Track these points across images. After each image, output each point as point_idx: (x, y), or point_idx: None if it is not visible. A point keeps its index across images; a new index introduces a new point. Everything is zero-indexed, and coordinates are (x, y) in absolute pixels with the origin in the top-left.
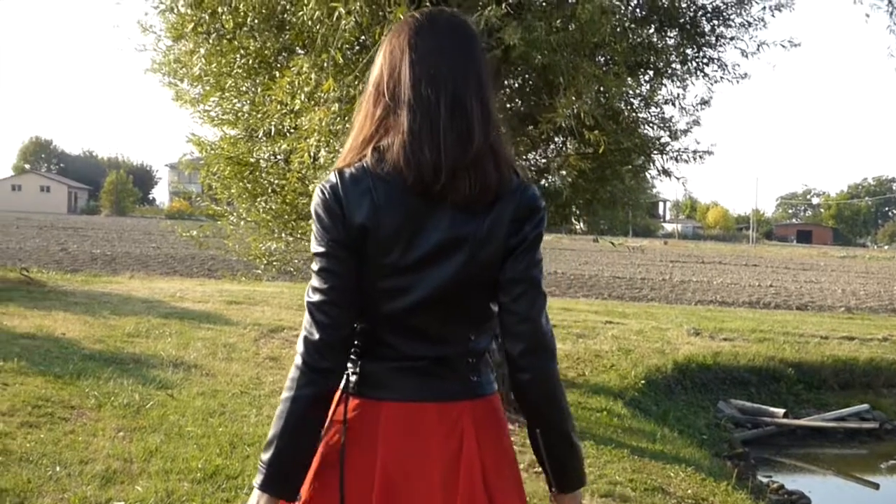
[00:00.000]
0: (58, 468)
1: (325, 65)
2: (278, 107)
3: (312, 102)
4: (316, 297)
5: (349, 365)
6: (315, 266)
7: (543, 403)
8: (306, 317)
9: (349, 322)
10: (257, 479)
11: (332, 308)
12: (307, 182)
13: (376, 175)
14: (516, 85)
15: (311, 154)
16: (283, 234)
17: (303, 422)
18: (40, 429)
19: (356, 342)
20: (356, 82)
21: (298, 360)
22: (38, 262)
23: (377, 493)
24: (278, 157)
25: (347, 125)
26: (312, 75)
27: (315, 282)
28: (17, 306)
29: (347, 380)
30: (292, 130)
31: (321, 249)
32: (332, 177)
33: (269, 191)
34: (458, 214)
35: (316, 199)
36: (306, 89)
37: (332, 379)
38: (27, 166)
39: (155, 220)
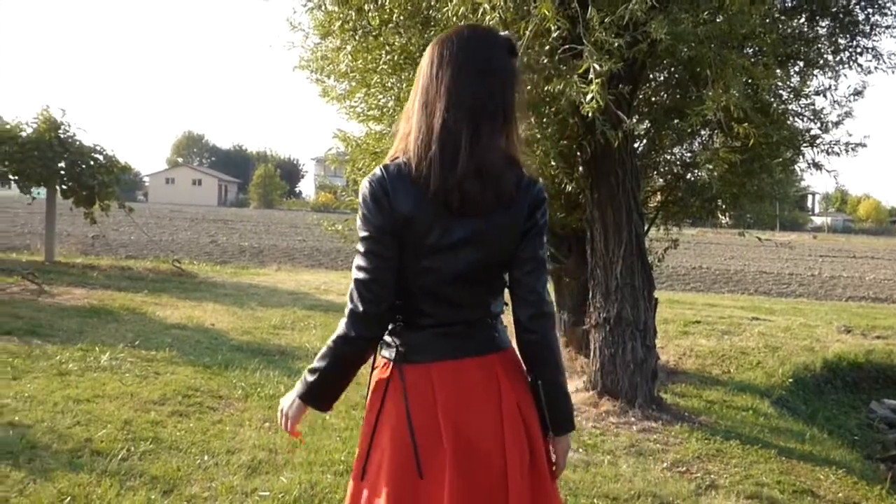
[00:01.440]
0: (206, 457)
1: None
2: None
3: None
4: (362, 275)
5: (395, 339)
6: (361, 248)
7: (545, 360)
8: (353, 291)
9: (390, 298)
10: (299, 389)
11: (376, 285)
12: None
13: (411, 177)
14: (662, 78)
15: None
16: None
17: (343, 368)
18: (189, 418)
19: (399, 317)
20: None
21: (343, 328)
22: (190, 253)
23: (446, 436)
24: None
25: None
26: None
27: (361, 261)
28: (169, 297)
29: (397, 350)
30: (520, 117)
31: (367, 233)
32: (379, 171)
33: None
34: (479, 219)
35: (364, 189)
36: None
37: (370, 345)
38: (180, 160)
39: (301, 213)
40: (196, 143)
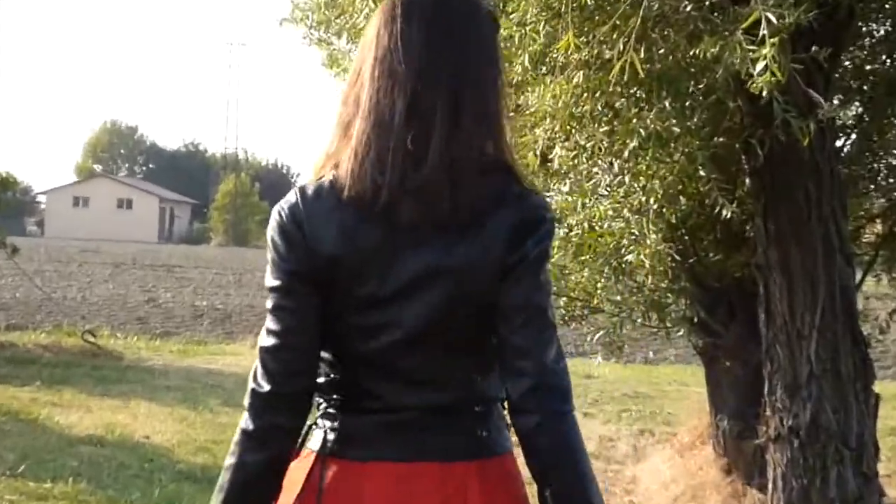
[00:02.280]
0: None
1: (564, 9)
2: None
3: (543, 70)
4: (269, 341)
5: (326, 421)
6: (269, 303)
7: (556, 455)
8: (256, 365)
9: (308, 371)
10: None
11: (288, 353)
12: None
13: (341, 198)
14: (882, 33)
15: (539, 152)
16: None
17: (249, 484)
18: None
19: (335, 395)
20: (614, 35)
21: (245, 419)
22: (111, 320)
23: None
24: None
25: (599, 106)
26: (542, 25)
27: (269, 322)
28: (76, 391)
29: (325, 438)
30: (510, 115)
31: (276, 283)
32: (293, 194)
33: None
34: (440, 236)
35: (272, 222)
36: (533, 48)
37: (286, 441)
38: (98, 167)
39: None
40: (125, 140)
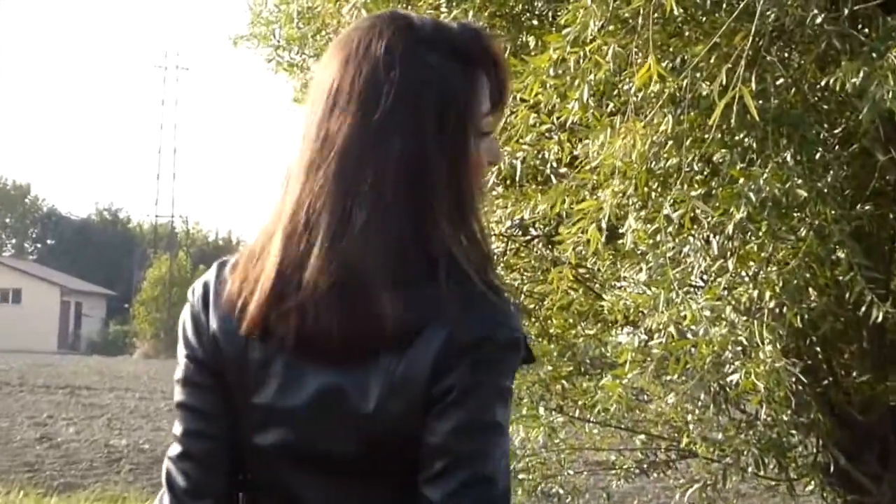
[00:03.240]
0: None
1: (642, 22)
2: (529, 116)
3: (610, 107)
4: (173, 450)
5: None
6: (175, 400)
7: None
8: (164, 473)
9: (218, 488)
10: None
11: (192, 465)
12: (592, 287)
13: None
14: None
15: (604, 224)
16: (542, 411)
17: None
18: None
19: None
20: (712, 60)
21: None
22: None
23: None
24: (533, 231)
25: (692, 161)
26: (609, 46)
27: (175, 426)
28: None
29: None
30: (564, 172)
31: (178, 374)
32: (211, 270)
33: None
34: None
35: (188, 297)
36: (596, 76)
37: None
38: None
39: None
40: (11, 205)
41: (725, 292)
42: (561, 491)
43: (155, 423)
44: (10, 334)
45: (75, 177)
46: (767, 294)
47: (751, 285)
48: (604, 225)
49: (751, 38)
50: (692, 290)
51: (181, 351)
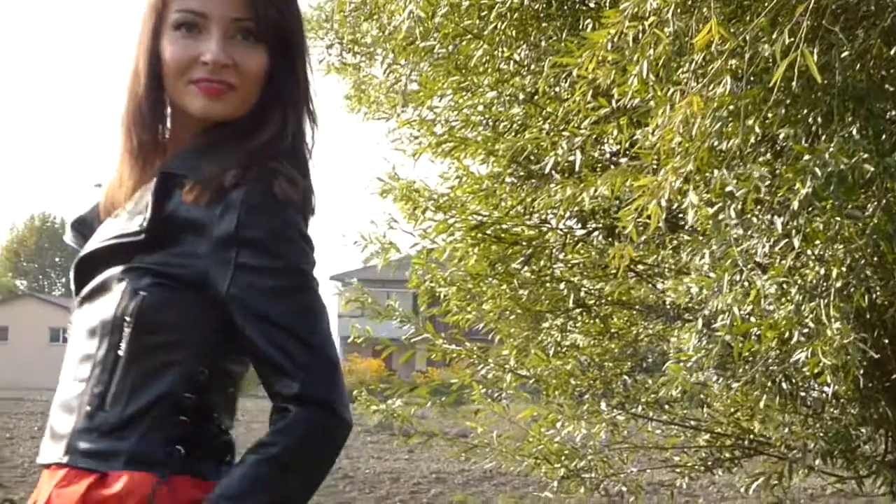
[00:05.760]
0: None
1: None
2: (585, 96)
3: (669, 86)
4: (335, 350)
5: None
6: (315, 304)
7: None
8: (335, 374)
9: None
10: None
11: None
12: (651, 276)
13: None
14: None
15: (664, 202)
16: (604, 407)
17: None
18: None
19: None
20: (774, 34)
21: (338, 411)
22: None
23: None
24: (592, 224)
25: (753, 137)
26: (670, 19)
27: (324, 325)
28: None
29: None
30: (625, 154)
31: (316, 278)
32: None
33: (569, 307)
34: None
35: (292, 216)
36: (655, 52)
37: None
38: (21, 284)
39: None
40: (60, 243)
41: (790, 273)
42: (624, 489)
43: None
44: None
45: None
46: (834, 272)
47: (817, 264)
48: (664, 202)
49: (812, 10)
50: (755, 270)
51: (307, 253)
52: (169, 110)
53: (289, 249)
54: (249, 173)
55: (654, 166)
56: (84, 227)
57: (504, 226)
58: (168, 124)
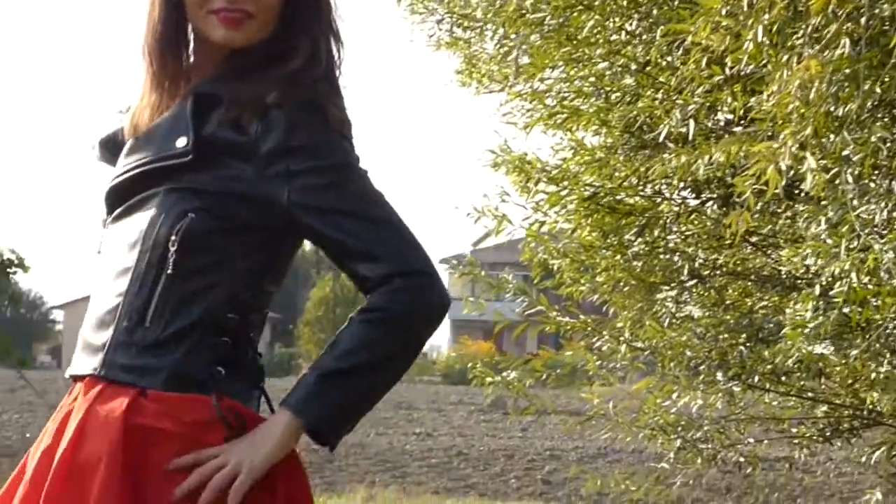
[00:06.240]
0: None
1: None
2: (699, 64)
3: (787, 47)
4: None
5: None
6: (373, 189)
7: None
8: (422, 248)
9: None
10: (321, 408)
11: None
12: (766, 247)
13: None
14: None
15: (783, 168)
16: (721, 378)
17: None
18: None
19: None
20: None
21: (435, 291)
22: None
23: None
24: (707, 193)
25: (871, 102)
26: None
27: (390, 204)
28: None
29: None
30: (738, 123)
31: None
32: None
33: (684, 276)
34: None
35: (350, 149)
36: (771, 15)
37: None
38: None
39: (415, 388)
40: None
41: None
42: (742, 460)
43: None
44: None
45: None
46: None
47: None
48: (782, 167)
49: None
50: (874, 235)
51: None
52: (192, 36)
53: (334, 148)
54: (290, 94)
55: (770, 133)
56: (113, 146)
57: (617, 196)
58: (191, 51)
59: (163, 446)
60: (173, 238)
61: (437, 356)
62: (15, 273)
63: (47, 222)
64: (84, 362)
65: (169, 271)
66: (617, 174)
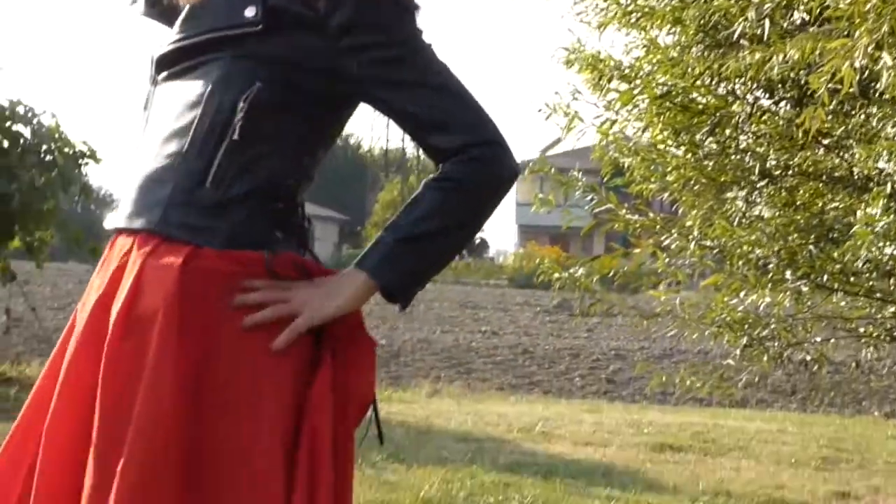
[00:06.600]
0: None
1: None
2: None
3: None
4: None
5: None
6: (439, 61)
7: None
8: (490, 118)
9: None
10: (392, 266)
11: None
12: (839, 148)
13: None
14: None
15: (857, 66)
16: (789, 276)
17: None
18: None
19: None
20: None
21: (506, 163)
22: None
23: None
24: (780, 93)
25: None
26: None
27: (457, 76)
28: None
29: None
30: (814, 23)
31: None
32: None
33: (755, 175)
34: None
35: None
36: None
37: None
38: None
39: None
40: None
41: None
42: (808, 358)
43: (391, 323)
44: None
45: None
46: None
47: None
48: (857, 64)
49: None
50: None
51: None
52: None
53: (404, 22)
54: None
55: (846, 31)
56: (159, 1)
57: (690, 95)
58: None
59: (222, 285)
60: (241, 105)
61: (504, 260)
62: (87, 164)
63: (120, 123)
64: (135, 217)
65: (234, 137)
66: (690, 73)
